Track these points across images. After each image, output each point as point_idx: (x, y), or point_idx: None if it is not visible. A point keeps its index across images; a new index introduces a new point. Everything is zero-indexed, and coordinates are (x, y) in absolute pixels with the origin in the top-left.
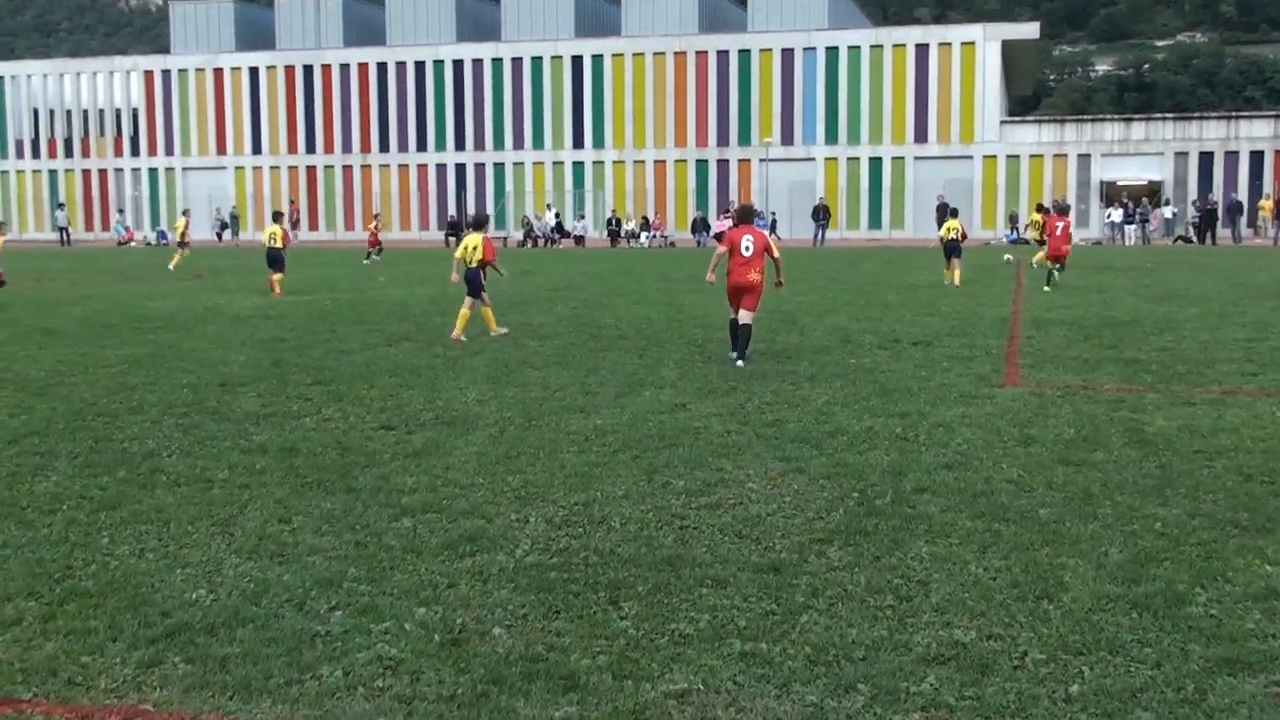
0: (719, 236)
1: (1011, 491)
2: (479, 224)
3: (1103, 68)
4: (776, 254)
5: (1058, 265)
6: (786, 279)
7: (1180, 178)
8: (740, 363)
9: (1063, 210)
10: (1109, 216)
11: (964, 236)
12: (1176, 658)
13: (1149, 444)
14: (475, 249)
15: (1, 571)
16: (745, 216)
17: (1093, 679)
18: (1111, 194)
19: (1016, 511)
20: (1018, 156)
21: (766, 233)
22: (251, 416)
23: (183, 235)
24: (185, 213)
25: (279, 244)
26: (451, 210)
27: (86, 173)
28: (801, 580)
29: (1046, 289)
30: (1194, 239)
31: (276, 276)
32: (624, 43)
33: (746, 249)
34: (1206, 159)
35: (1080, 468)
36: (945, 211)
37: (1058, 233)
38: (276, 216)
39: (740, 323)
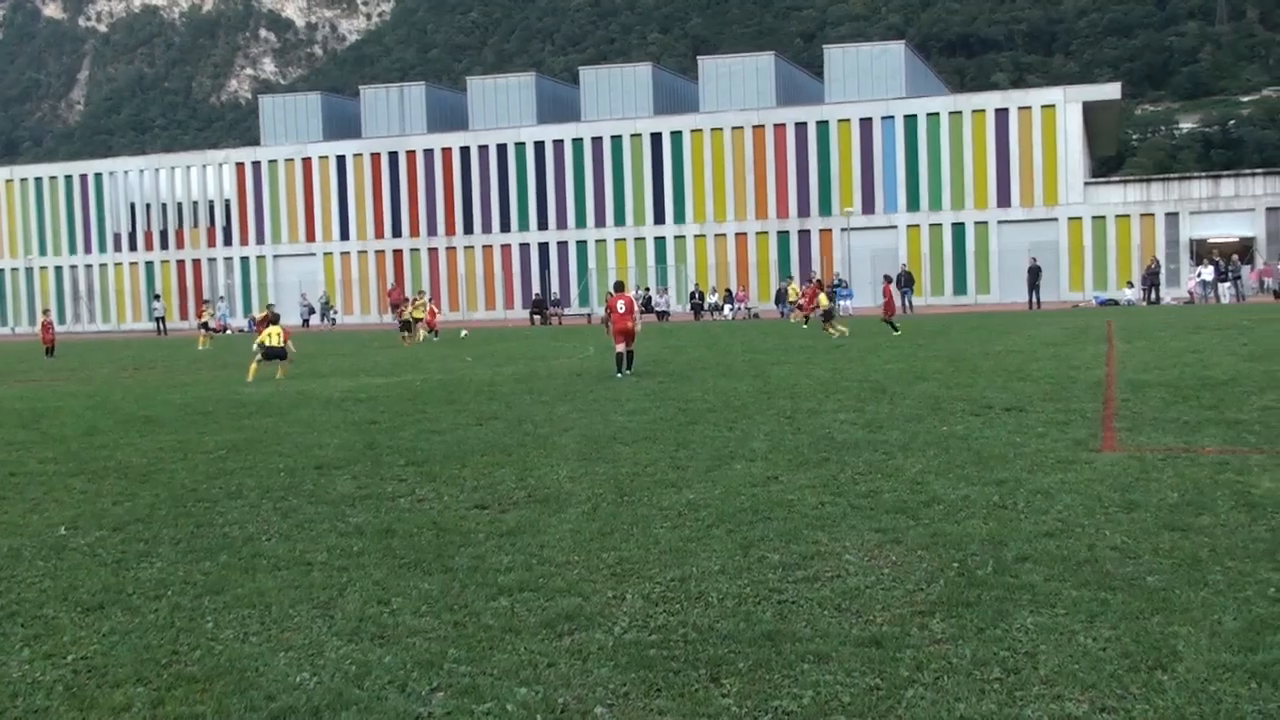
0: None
1: (1116, 559)
2: (276, 319)
3: (1187, 125)
4: (636, 308)
5: (889, 321)
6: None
7: (1274, 233)
8: (622, 374)
9: (890, 281)
10: (1199, 275)
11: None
12: None
13: (1257, 507)
14: (277, 335)
15: (111, 657)
16: (619, 289)
17: None
18: (1202, 252)
19: (1123, 579)
20: (1103, 217)
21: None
22: (348, 499)
23: (414, 315)
24: (421, 293)
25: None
26: (535, 289)
27: (181, 263)
28: (905, 654)
29: (896, 333)
30: None
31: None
32: (702, 118)
33: (621, 309)
34: None
35: (1187, 533)
36: (1037, 274)
37: (888, 298)
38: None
39: (627, 351)
